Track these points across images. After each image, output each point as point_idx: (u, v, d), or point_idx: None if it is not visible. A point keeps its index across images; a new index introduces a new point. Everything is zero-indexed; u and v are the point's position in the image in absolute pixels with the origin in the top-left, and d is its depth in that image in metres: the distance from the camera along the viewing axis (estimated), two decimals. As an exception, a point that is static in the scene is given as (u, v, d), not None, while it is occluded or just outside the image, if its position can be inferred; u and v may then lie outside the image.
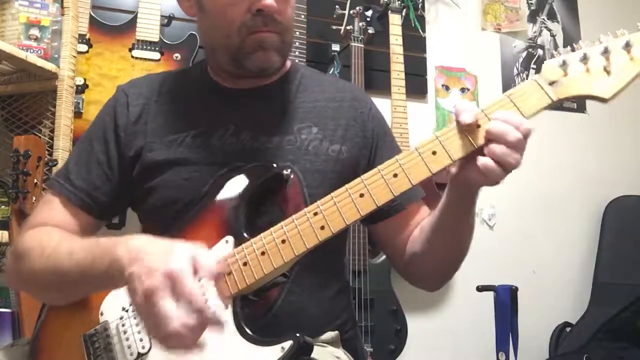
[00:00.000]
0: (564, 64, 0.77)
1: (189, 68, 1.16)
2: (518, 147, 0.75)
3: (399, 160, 0.80)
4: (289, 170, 0.90)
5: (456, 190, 0.85)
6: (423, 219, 1.01)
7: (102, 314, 0.89)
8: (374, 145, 1.05)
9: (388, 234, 1.04)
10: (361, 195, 0.80)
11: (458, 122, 0.78)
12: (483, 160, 0.76)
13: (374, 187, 0.80)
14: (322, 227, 0.80)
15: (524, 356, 1.88)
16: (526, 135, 0.76)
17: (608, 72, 0.75)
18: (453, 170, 0.82)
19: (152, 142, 0.99)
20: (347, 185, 0.81)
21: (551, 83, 0.78)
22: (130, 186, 1.01)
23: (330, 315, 0.99)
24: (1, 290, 1.56)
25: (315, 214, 0.81)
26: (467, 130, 0.78)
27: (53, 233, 0.92)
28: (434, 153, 0.79)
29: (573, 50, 0.78)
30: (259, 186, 0.90)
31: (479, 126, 0.78)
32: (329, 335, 0.97)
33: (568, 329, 2.37)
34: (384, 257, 1.99)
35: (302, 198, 0.95)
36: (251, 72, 0.99)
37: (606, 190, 2.57)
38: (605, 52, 0.75)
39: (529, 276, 2.41)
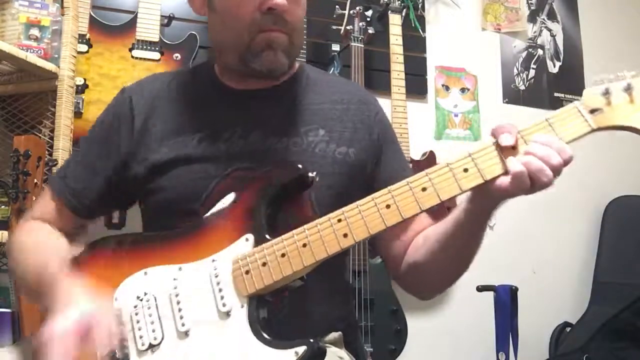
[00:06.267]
0: (606, 93, 0.76)
1: (196, 68, 1.14)
2: (557, 171, 0.75)
3: (428, 174, 0.79)
4: (314, 173, 0.88)
5: (477, 204, 0.83)
6: (424, 226, 0.99)
7: (116, 300, 0.89)
8: (378, 151, 1.04)
9: (385, 237, 1.01)
10: (387, 207, 0.79)
11: (498, 144, 0.77)
12: (517, 168, 0.74)
13: (401, 200, 0.79)
14: (345, 235, 0.80)
15: (524, 356, 1.88)
16: (567, 162, 0.75)
17: None
18: None
19: (159, 145, 0.99)
20: (373, 195, 0.80)
21: (592, 111, 0.76)
22: (121, 191, 1.04)
23: (331, 316, 0.99)
24: (1, 290, 1.56)
25: (339, 220, 0.80)
26: (503, 151, 0.77)
27: (39, 238, 1.01)
28: (465, 170, 0.77)
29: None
30: (283, 187, 0.88)
31: (514, 148, 0.77)
32: (332, 336, 0.97)
33: (568, 329, 2.37)
34: (384, 257, 1.99)
35: (308, 201, 0.94)
36: (259, 73, 0.98)
37: (606, 190, 2.57)
38: None
39: (529, 276, 2.41)
